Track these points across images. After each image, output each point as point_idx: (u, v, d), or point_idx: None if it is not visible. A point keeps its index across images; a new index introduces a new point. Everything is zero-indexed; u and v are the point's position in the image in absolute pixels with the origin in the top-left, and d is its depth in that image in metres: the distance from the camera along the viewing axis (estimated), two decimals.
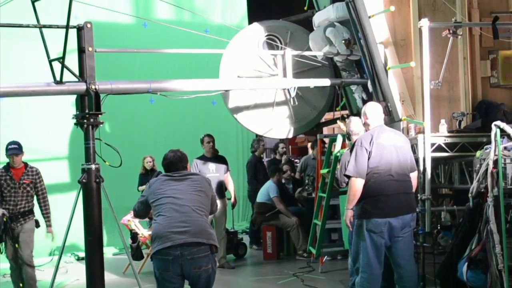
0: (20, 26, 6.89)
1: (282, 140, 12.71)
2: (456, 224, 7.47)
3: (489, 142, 6.50)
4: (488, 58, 8.01)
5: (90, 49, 6.57)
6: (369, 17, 7.73)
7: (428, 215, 7.23)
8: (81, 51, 6.60)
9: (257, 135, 11.05)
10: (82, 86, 6.56)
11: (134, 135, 12.05)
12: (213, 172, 9.61)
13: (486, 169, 6.31)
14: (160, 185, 5.51)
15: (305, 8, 10.03)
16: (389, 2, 7.71)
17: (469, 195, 6.60)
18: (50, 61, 6.67)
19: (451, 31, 7.31)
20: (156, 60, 12.30)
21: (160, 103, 12.17)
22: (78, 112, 6.67)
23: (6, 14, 8.77)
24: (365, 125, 6.34)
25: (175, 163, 5.64)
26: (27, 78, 10.18)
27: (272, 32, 9.43)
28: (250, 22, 12.32)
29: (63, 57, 6.54)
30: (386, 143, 6.04)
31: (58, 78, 6.58)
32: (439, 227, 7.83)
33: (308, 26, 9.58)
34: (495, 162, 6.26)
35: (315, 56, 8.88)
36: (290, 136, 10.04)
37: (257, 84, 8.82)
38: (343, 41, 8.40)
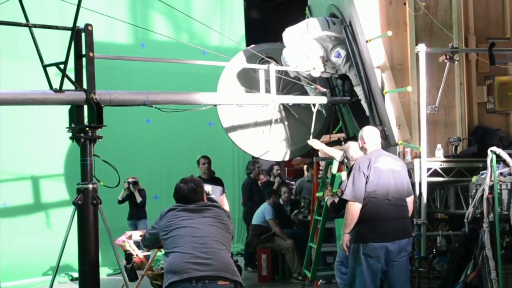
0: (19, 24, 6.12)
1: (277, 162, 12.71)
2: (452, 249, 7.47)
3: (485, 168, 6.53)
4: (484, 83, 8.05)
5: (91, 54, 5.99)
6: (367, 41, 7.76)
7: (424, 239, 7.22)
8: (79, 56, 6.07)
9: (253, 157, 11.05)
10: (82, 96, 6.00)
11: (130, 155, 12.04)
12: (208, 193, 9.59)
13: (482, 195, 6.34)
14: (173, 217, 4.79)
15: None
16: (387, 27, 7.75)
17: (465, 220, 6.61)
18: (45, 67, 6.11)
19: (447, 57, 7.35)
20: (153, 79, 12.32)
21: (157, 124, 12.23)
22: (73, 125, 6.07)
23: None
24: (362, 149, 6.34)
25: (189, 198, 4.90)
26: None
27: (269, 54, 9.45)
28: (247, 43, 12.39)
29: (65, 62, 5.96)
30: (383, 167, 6.05)
31: (54, 86, 6.05)
32: (434, 252, 7.82)
33: None
34: (491, 188, 6.29)
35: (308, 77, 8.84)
36: (286, 158, 10.04)
37: (239, 100, 8.52)
38: (320, 57, 8.41)
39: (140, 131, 12.28)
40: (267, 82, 8.24)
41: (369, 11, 7.79)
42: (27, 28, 6.16)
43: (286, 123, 9.38)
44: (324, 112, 9.10)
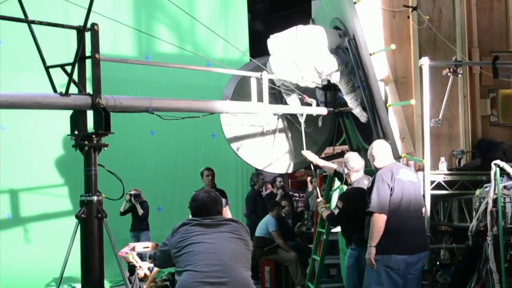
0: (21, 20, 5.67)
1: (280, 174, 12.72)
2: (455, 262, 7.45)
3: (488, 181, 6.53)
4: (488, 96, 8.05)
5: (97, 56, 5.57)
6: (370, 54, 7.78)
7: (428, 252, 7.20)
8: (83, 57, 5.65)
9: (256, 169, 11.06)
10: (87, 100, 5.59)
11: (134, 167, 12.05)
12: None
13: (486, 208, 6.34)
14: (186, 232, 4.39)
15: None
16: (390, 40, 7.76)
17: (469, 233, 6.61)
18: (48, 68, 5.69)
19: (451, 70, 7.37)
20: (158, 91, 12.33)
21: (161, 135, 12.26)
22: (76, 132, 5.62)
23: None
24: (374, 167, 6.25)
25: (208, 207, 4.51)
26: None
27: None
28: (251, 55, 12.42)
29: (73, 63, 5.55)
30: (405, 179, 6.00)
31: (57, 90, 5.64)
32: (438, 265, 7.81)
33: None
34: (495, 201, 6.29)
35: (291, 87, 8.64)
36: (290, 171, 10.04)
37: (233, 108, 8.09)
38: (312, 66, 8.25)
39: (144, 142, 12.29)
40: (271, 94, 8.23)
41: (372, 25, 7.80)
42: (27, 38, 5.84)
43: (289, 135, 9.39)
44: (320, 123, 9.01)
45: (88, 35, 5.75)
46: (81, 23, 5.71)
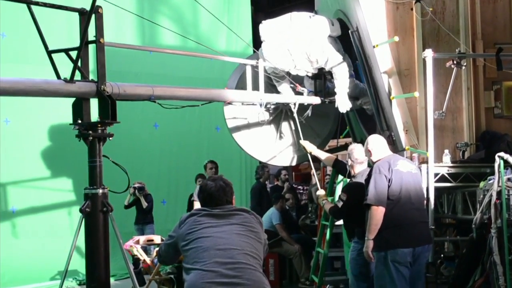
0: (23, 1, 5.25)
1: (285, 167, 12.71)
2: (460, 255, 7.46)
3: (492, 173, 6.53)
4: (492, 88, 8.04)
5: (102, 40, 5.24)
6: (374, 47, 7.76)
7: (432, 245, 7.20)
8: (86, 42, 5.30)
9: (260, 162, 11.06)
10: (92, 88, 5.28)
11: (138, 160, 12.06)
12: None
13: (490, 200, 6.34)
14: (195, 223, 4.09)
15: None
16: (393, 32, 7.75)
17: (473, 225, 6.60)
18: (50, 53, 5.31)
19: (455, 62, 7.35)
20: (161, 82, 12.32)
21: (164, 129, 12.28)
22: (80, 121, 5.29)
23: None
24: (372, 162, 6.20)
25: (216, 197, 4.22)
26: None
27: None
28: (255, 48, 12.40)
29: (79, 48, 5.19)
30: (403, 170, 5.92)
31: (60, 75, 5.26)
32: (442, 257, 7.81)
33: None
34: (499, 193, 6.29)
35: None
36: (294, 164, 10.03)
37: (229, 96, 7.87)
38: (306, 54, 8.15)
39: (147, 135, 12.31)
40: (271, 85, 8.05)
41: (376, 17, 7.78)
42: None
43: (293, 127, 9.37)
44: (309, 112, 8.84)
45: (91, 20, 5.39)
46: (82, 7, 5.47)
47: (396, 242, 5.77)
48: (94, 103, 5.58)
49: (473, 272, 6.57)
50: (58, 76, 5.23)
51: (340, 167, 7.71)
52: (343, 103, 8.38)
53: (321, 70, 8.48)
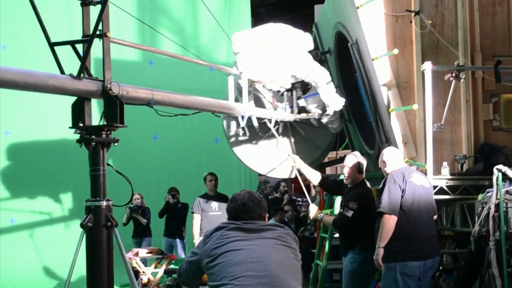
0: None
1: (284, 179, 12.72)
2: (458, 267, 7.44)
3: (491, 186, 6.53)
4: (490, 101, 8.02)
5: (108, 34, 4.68)
6: (373, 59, 7.78)
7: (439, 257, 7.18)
8: (88, 36, 4.71)
9: (259, 175, 11.07)
10: (98, 87, 4.69)
11: (137, 172, 12.04)
12: (215, 210, 9.63)
13: (488, 213, 6.33)
14: (222, 237, 3.60)
15: None
16: (393, 45, 7.76)
17: (471, 238, 6.60)
18: (53, 45, 4.72)
19: (453, 75, 7.36)
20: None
21: (164, 140, 12.30)
22: (81, 124, 4.66)
23: None
24: (386, 173, 6.21)
25: (250, 208, 3.74)
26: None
27: None
28: None
29: (90, 40, 4.61)
30: (417, 182, 5.98)
31: (65, 71, 4.64)
32: (441, 270, 7.80)
33: None
34: (497, 206, 6.29)
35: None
36: (293, 176, 10.02)
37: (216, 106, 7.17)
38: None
39: (147, 147, 12.34)
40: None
41: (375, 29, 7.80)
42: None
43: (292, 139, 9.39)
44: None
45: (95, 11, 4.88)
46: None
47: (407, 255, 5.80)
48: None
49: (472, 285, 6.56)
50: (62, 71, 4.62)
51: (328, 186, 7.68)
52: (335, 102, 8.30)
53: (293, 84, 8.38)
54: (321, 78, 8.25)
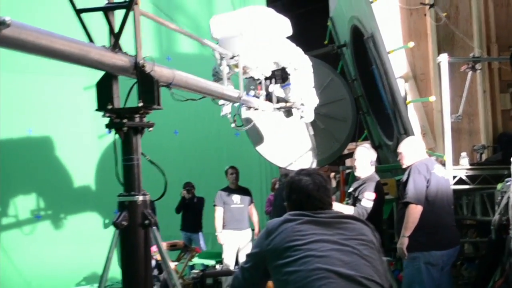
0: None
1: None
2: (479, 256, 7.52)
3: (510, 175, 6.56)
4: (507, 91, 8.08)
5: (138, 2, 3.90)
6: (388, 52, 7.84)
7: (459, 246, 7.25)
8: (114, 7, 3.90)
9: (279, 167, 11.14)
10: (131, 62, 3.90)
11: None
12: (237, 203, 9.73)
13: (508, 202, 6.37)
14: (295, 234, 2.86)
15: (325, 42, 10.19)
16: (408, 37, 7.83)
17: (491, 227, 6.66)
18: (79, 12, 3.77)
19: (469, 66, 7.42)
20: (177, 91, 12.45)
21: (184, 135, 12.39)
22: (110, 106, 3.89)
23: None
24: (402, 164, 6.22)
25: (317, 199, 3.02)
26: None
27: None
28: None
29: (128, 5, 3.82)
30: (439, 174, 6.04)
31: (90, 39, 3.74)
32: (462, 259, 7.86)
33: (329, 59, 9.70)
34: None
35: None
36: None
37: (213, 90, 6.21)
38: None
39: (168, 142, 12.40)
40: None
41: (390, 23, 7.87)
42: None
43: (311, 132, 9.44)
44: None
45: None
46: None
47: (430, 245, 5.83)
48: None
49: (493, 273, 6.62)
50: (91, 39, 3.77)
51: None
52: (308, 98, 7.93)
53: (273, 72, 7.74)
54: (303, 65, 7.72)
